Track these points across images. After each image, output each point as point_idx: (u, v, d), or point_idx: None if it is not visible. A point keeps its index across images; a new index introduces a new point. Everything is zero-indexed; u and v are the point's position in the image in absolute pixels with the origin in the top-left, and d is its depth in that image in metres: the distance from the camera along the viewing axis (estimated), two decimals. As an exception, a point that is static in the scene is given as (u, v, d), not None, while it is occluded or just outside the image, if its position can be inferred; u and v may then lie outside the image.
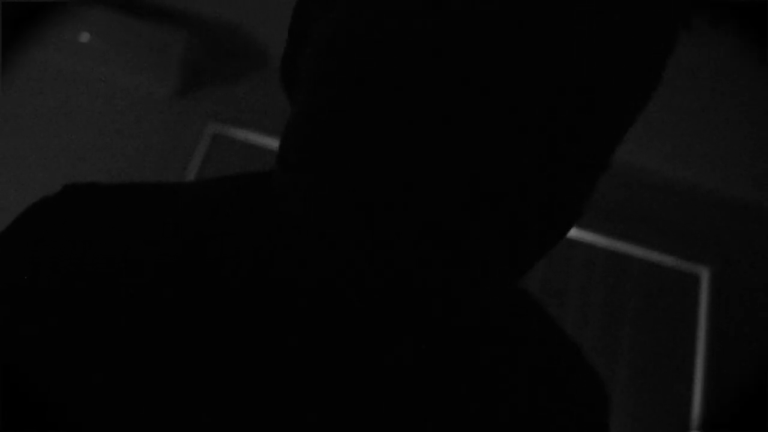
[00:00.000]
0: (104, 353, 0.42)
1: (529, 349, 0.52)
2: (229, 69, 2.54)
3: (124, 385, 0.42)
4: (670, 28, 0.41)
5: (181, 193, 0.50)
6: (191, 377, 0.43)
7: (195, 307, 0.44)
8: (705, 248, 2.58)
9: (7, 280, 0.45)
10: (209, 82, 2.52)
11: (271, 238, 0.46)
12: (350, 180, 0.38)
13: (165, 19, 2.42)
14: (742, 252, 2.59)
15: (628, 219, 2.56)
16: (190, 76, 2.47)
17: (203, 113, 2.47)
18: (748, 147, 2.33)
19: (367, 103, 0.38)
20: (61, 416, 0.41)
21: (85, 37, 2.34)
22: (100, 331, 0.43)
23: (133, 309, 0.44)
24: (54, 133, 2.39)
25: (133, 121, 2.44)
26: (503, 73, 0.37)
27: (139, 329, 0.43)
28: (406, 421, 0.45)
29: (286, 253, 0.43)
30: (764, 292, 2.53)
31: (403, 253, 0.38)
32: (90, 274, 0.45)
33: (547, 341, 0.54)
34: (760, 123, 2.22)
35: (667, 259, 2.56)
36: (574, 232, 2.42)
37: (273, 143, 2.42)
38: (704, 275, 2.57)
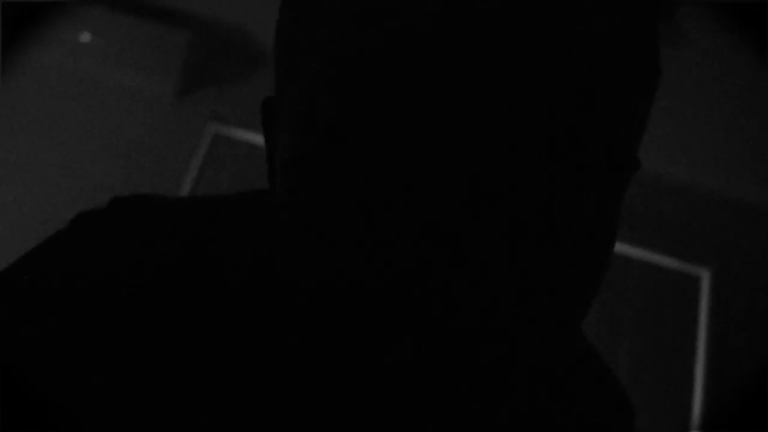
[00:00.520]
0: (104, 353, 0.42)
1: (530, 349, 0.52)
2: (229, 69, 2.54)
3: (124, 385, 0.42)
4: (653, 23, 0.41)
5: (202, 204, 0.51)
6: (191, 377, 0.43)
7: (195, 307, 0.44)
8: (705, 249, 2.58)
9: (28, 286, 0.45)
10: (209, 82, 2.52)
11: (271, 238, 0.46)
12: (350, 180, 0.38)
13: (166, 19, 2.42)
14: (742, 253, 2.59)
15: (628, 220, 2.55)
16: (191, 76, 2.47)
17: (203, 113, 2.47)
18: (748, 147, 2.33)
19: (367, 103, 0.38)
20: (61, 416, 0.41)
21: (85, 37, 2.34)
22: (99, 331, 0.43)
23: (133, 309, 0.44)
24: (54, 133, 2.39)
25: (133, 120, 2.44)
26: (503, 72, 0.37)
27: (138, 329, 0.43)
28: (406, 421, 0.45)
29: (286, 253, 0.43)
30: (764, 293, 2.53)
31: (403, 253, 0.38)
32: (90, 275, 0.45)
33: (548, 341, 0.54)
34: (760, 123, 2.22)
35: (668, 261, 2.56)
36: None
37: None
38: (704, 276, 2.57)
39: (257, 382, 0.43)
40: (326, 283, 0.40)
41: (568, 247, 0.42)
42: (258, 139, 2.45)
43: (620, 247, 2.53)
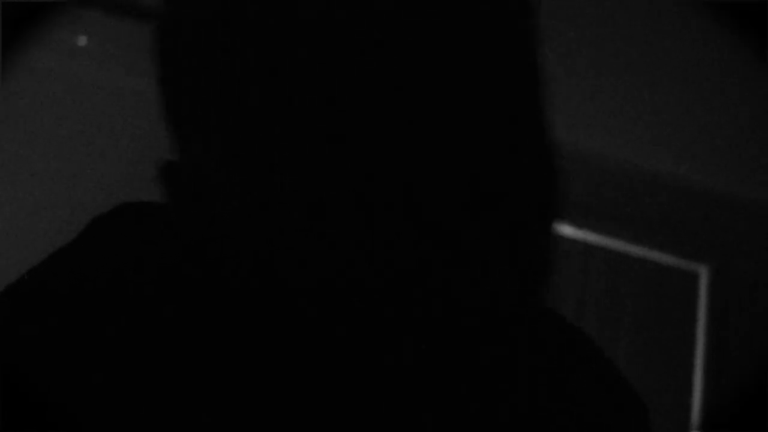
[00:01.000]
0: (103, 353, 0.43)
1: (530, 349, 0.52)
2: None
3: (124, 385, 0.42)
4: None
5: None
6: (191, 377, 0.43)
7: (194, 307, 0.45)
8: (703, 247, 2.58)
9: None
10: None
11: (271, 239, 0.46)
12: (350, 181, 0.38)
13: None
14: (741, 251, 2.59)
15: (625, 217, 2.56)
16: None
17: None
18: (748, 146, 2.33)
19: (366, 103, 0.38)
20: (61, 416, 0.41)
21: (82, 40, 2.34)
22: (99, 331, 0.43)
23: (132, 309, 0.44)
24: (52, 135, 2.39)
25: (131, 124, 2.43)
26: (488, 73, 0.37)
27: (138, 329, 0.43)
28: (406, 421, 0.45)
29: (286, 253, 0.43)
30: (764, 291, 2.53)
31: (403, 253, 0.38)
32: (93, 277, 0.45)
33: (548, 341, 0.54)
34: (760, 123, 2.22)
35: (666, 258, 2.56)
36: (570, 231, 2.42)
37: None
38: (703, 274, 2.57)
39: (257, 382, 0.43)
40: (326, 283, 0.40)
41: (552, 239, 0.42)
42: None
43: (617, 244, 2.53)
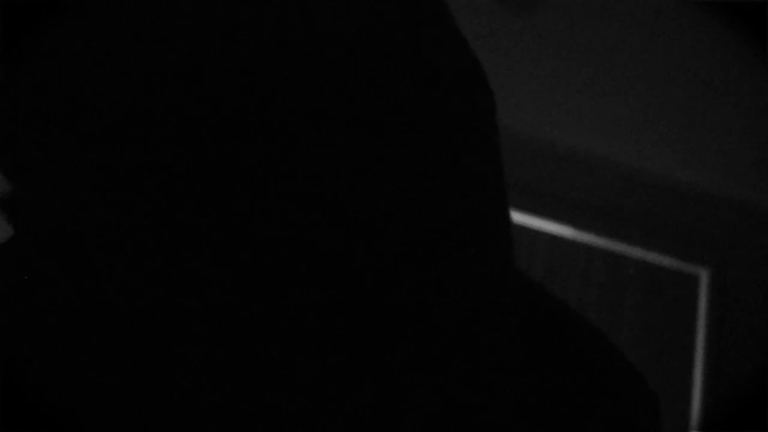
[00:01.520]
0: (104, 353, 0.43)
1: (528, 346, 0.52)
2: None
3: (124, 385, 0.42)
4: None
5: None
6: (191, 377, 0.43)
7: (194, 307, 0.45)
8: (704, 249, 2.59)
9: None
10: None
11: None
12: (352, 188, 0.39)
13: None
14: (741, 253, 2.59)
15: (626, 219, 2.56)
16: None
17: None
18: (748, 147, 2.34)
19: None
20: (61, 416, 0.41)
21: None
22: (99, 331, 0.43)
23: (132, 309, 0.44)
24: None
25: None
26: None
27: (138, 329, 0.43)
28: (406, 421, 0.45)
29: (286, 253, 0.43)
30: (764, 293, 2.53)
31: (402, 253, 0.38)
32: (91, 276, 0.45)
33: (547, 338, 0.54)
34: (760, 123, 2.22)
35: (666, 260, 2.56)
36: (571, 233, 2.43)
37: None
38: (703, 276, 2.57)
39: (257, 382, 0.44)
40: (325, 283, 0.40)
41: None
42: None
43: (618, 247, 2.53)
